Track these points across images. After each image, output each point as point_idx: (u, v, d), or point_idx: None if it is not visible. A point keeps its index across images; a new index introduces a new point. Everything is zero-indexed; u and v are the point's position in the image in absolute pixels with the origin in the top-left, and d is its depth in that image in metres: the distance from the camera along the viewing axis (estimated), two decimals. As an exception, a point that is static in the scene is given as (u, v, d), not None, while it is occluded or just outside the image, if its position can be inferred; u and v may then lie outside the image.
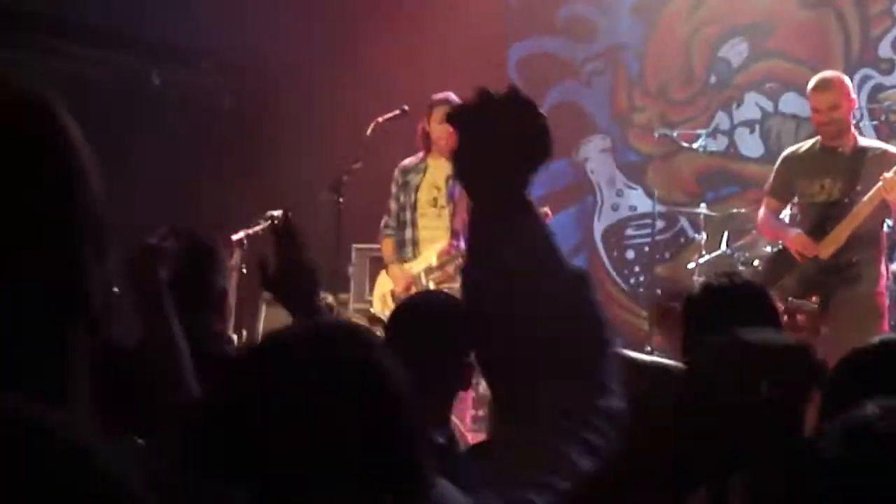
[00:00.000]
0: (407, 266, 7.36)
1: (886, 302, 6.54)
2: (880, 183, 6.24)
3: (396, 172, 7.53)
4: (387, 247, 7.54)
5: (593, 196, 11.20)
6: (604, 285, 10.93)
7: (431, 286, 7.05)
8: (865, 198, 6.33)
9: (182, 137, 10.28)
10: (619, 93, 11.11)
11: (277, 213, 7.27)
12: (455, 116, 1.86)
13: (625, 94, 11.09)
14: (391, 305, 7.01)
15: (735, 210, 9.47)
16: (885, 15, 10.05)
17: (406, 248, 7.41)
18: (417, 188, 7.42)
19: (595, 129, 11.18)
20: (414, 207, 7.44)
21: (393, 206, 7.55)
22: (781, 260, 6.79)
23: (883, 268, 6.57)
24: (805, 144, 6.81)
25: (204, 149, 10.57)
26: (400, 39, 10.65)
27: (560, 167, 11.18)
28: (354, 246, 8.73)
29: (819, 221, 6.52)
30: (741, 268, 8.93)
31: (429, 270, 7.26)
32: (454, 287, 6.32)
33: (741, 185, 10.45)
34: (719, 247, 9.22)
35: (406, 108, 7.44)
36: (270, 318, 9.33)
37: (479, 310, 1.89)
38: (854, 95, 6.68)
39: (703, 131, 10.10)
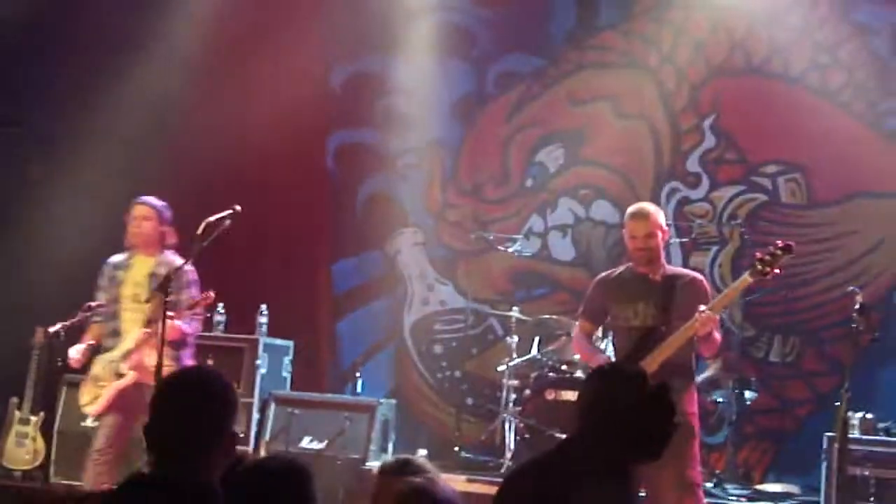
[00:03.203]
0: (108, 355, 7.62)
1: (697, 421, 6.72)
2: (695, 317, 6.44)
3: (104, 267, 7.80)
4: (93, 331, 7.81)
5: (403, 289, 11.22)
6: (410, 379, 10.96)
7: (123, 367, 7.48)
8: (679, 330, 6.52)
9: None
10: (433, 188, 11.20)
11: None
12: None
13: (439, 189, 11.18)
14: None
15: (547, 316, 9.59)
16: (695, 131, 10.42)
17: (111, 337, 7.67)
18: (122, 284, 7.67)
19: (408, 222, 11.23)
20: (118, 301, 7.67)
21: (101, 297, 7.76)
22: None
23: (694, 391, 6.76)
24: (617, 270, 7.00)
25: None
26: (225, 120, 10.59)
27: (371, 258, 11.22)
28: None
29: (634, 347, 6.69)
30: (550, 374, 9.09)
31: (124, 354, 7.50)
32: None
33: (551, 287, 10.64)
34: (530, 350, 9.36)
35: (237, 207, 7.35)
36: (70, 399, 9.12)
37: None
38: (666, 226, 6.88)
39: (518, 236, 10.29)
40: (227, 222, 7.38)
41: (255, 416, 9.65)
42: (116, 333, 7.63)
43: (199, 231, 7.24)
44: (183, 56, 10.70)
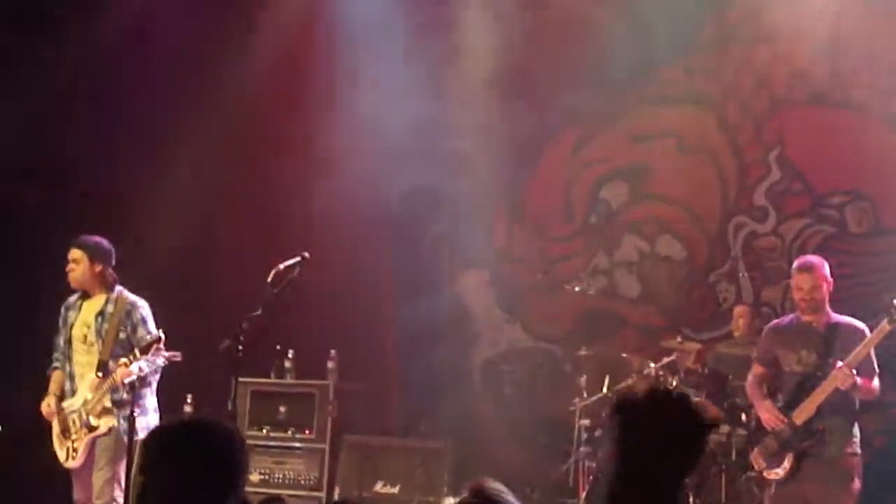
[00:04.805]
0: (67, 403, 7.62)
1: (859, 462, 7.12)
2: (833, 374, 6.92)
3: (62, 309, 7.79)
4: (53, 379, 7.81)
5: (471, 329, 11.20)
6: (480, 419, 10.92)
7: (92, 419, 7.43)
8: (826, 380, 6.98)
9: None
10: (498, 228, 11.20)
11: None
12: (623, 412, 1.93)
13: (503, 229, 11.18)
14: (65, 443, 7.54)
15: (618, 354, 9.55)
16: (761, 164, 10.35)
17: (69, 381, 7.69)
18: (73, 325, 7.66)
19: (473, 262, 11.23)
20: (69, 343, 7.69)
21: (59, 341, 7.80)
22: None
23: (856, 429, 7.15)
24: (786, 318, 7.56)
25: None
26: (290, 168, 10.70)
27: (438, 299, 11.22)
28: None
29: (795, 390, 7.18)
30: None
31: (86, 403, 7.49)
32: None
33: (619, 323, 10.58)
34: (601, 389, 9.31)
35: (306, 254, 7.41)
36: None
37: None
38: (830, 277, 7.27)
39: (583, 275, 10.27)
40: (297, 270, 7.44)
41: (328, 461, 9.68)
42: (72, 377, 7.67)
43: (269, 279, 7.30)
44: (246, 107, 10.80)
